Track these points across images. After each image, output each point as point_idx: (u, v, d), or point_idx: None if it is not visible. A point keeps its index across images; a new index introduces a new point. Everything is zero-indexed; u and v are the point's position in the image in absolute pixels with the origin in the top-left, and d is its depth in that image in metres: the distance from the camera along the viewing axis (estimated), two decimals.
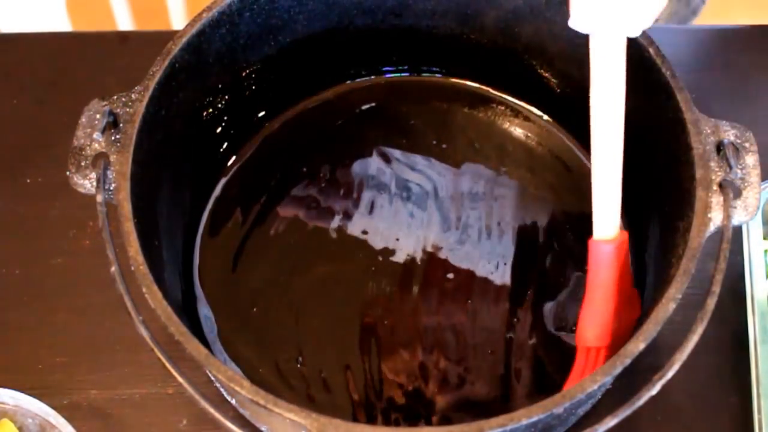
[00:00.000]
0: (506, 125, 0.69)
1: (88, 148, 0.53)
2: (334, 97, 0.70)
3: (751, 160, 0.52)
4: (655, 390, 0.46)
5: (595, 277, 0.55)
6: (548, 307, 0.61)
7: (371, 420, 0.58)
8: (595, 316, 0.55)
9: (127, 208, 0.50)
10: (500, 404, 0.58)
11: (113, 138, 0.53)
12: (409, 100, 0.70)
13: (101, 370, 0.62)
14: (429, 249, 0.63)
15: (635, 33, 0.51)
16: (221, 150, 0.67)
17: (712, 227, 0.50)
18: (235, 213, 0.65)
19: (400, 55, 0.70)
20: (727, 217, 0.50)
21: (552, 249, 0.63)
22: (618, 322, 0.55)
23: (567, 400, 0.45)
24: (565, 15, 0.60)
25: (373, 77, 0.71)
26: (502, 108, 0.69)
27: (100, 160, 0.52)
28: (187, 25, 0.57)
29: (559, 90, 0.66)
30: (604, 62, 0.52)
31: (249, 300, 0.62)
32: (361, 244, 0.64)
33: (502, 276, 0.62)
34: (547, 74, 0.66)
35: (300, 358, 0.60)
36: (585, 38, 0.60)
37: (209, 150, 0.65)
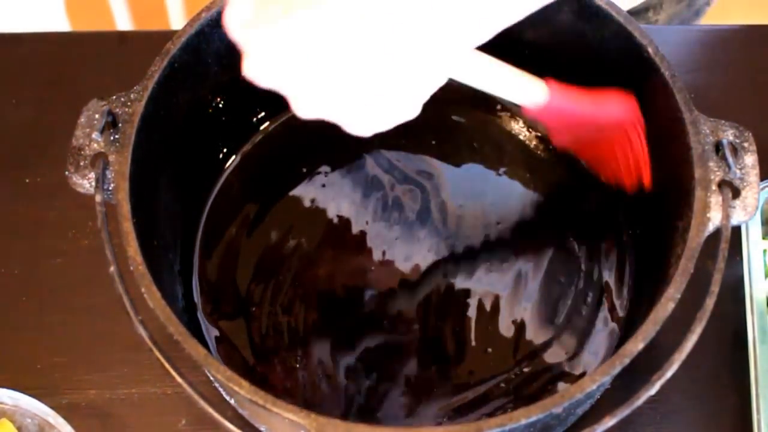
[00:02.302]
0: (505, 125, 0.69)
1: (87, 147, 0.53)
2: None
3: (749, 159, 0.52)
4: (653, 390, 0.46)
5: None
6: (545, 304, 0.61)
7: (371, 420, 0.58)
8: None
9: (126, 207, 0.50)
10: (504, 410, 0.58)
11: (112, 138, 0.53)
12: None
13: (100, 370, 0.62)
14: (428, 249, 0.63)
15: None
16: (220, 150, 0.66)
17: (711, 227, 0.50)
18: (234, 213, 0.65)
19: None
20: (726, 216, 0.50)
21: (551, 248, 0.63)
22: None
23: (566, 400, 0.45)
24: (565, 16, 0.60)
25: None
26: (502, 108, 0.69)
27: (99, 159, 0.52)
28: (186, 25, 0.57)
29: None
30: None
31: (248, 299, 0.62)
32: (361, 244, 0.64)
33: (502, 276, 0.62)
34: (546, 75, 0.66)
35: (299, 358, 0.60)
36: (585, 39, 0.60)
37: (208, 150, 0.65)
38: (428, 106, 0.70)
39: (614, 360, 0.46)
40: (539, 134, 0.68)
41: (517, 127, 0.68)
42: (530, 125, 0.68)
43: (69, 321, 0.63)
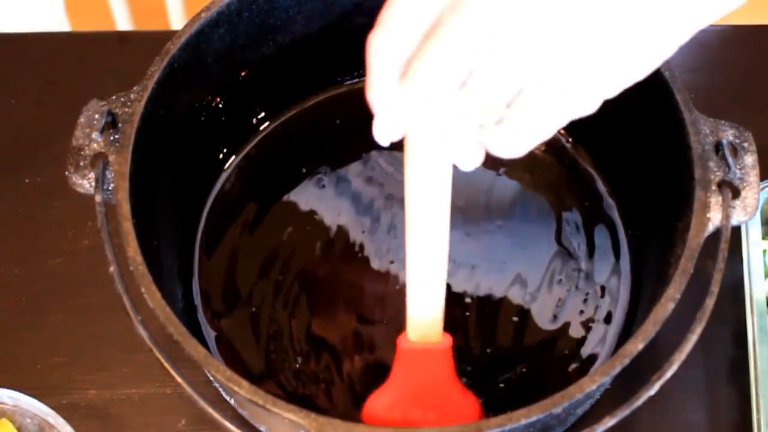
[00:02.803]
0: None
1: (86, 148, 0.53)
2: (333, 97, 0.70)
3: (749, 159, 0.52)
4: (653, 390, 0.46)
5: (400, 374, 0.53)
6: (544, 305, 0.61)
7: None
8: (382, 398, 0.53)
9: (126, 208, 0.50)
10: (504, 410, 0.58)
11: (112, 138, 0.53)
12: None
13: (100, 370, 0.62)
14: None
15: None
16: (220, 150, 0.66)
17: (710, 227, 0.50)
18: (233, 213, 0.65)
19: None
20: (726, 216, 0.50)
21: (551, 248, 0.63)
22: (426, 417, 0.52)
23: (566, 401, 0.45)
24: None
25: None
26: None
27: (98, 160, 0.52)
28: (185, 25, 0.57)
29: None
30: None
31: (248, 299, 0.62)
32: (360, 244, 0.64)
33: (501, 276, 0.62)
34: None
35: (299, 358, 0.60)
36: None
37: (208, 150, 0.65)
38: None
39: (614, 360, 0.46)
40: None
41: None
42: None
43: (69, 321, 0.63)
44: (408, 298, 0.52)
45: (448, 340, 0.53)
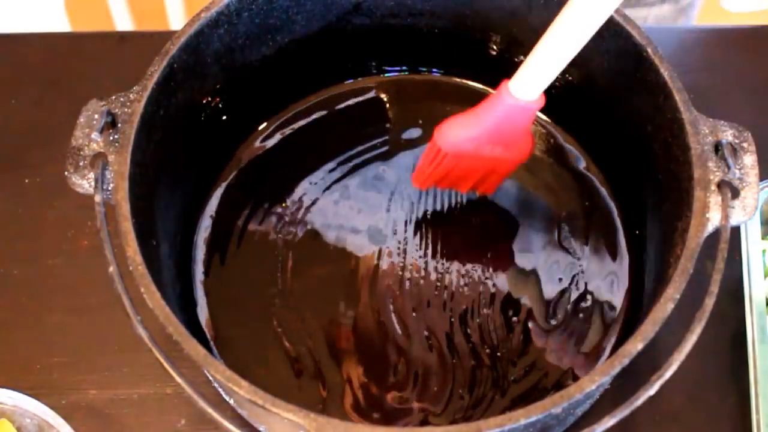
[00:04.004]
0: None
1: (86, 148, 0.53)
2: (333, 97, 0.70)
3: (749, 160, 0.52)
4: (653, 390, 0.46)
5: (486, 117, 0.57)
6: (544, 305, 0.61)
7: (368, 420, 0.58)
8: (463, 130, 0.58)
9: (125, 208, 0.50)
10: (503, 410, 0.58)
11: (111, 138, 0.53)
12: (408, 100, 0.70)
13: (99, 370, 0.62)
14: (428, 250, 0.63)
15: None
16: (220, 150, 0.66)
17: (710, 227, 0.50)
18: (233, 213, 0.65)
19: (399, 55, 0.70)
20: (726, 217, 0.50)
21: (551, 248, 0.63)
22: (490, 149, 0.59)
23: (565, 400, 0.45)
24: None
25: (371, 77, 0.71)
26: None
27: (98, 160, 0.52)
28: (185, 26, 0.57)
29: (557, 90, 0.66)
30: None
31: (247, 300, 0.62)
32: (360, 245, 0.64)
33: (501, 276, 0.62)
34: None
35: (298, 358, 0.60)
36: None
37: (207, 150, 0.65)
38: (428, 106, 0.70)
39: (613, 360, 0.46)
40: (538, 134, 0.68)
41: None
42: None
43: (68, 321, 0.63)
44: (535, 51, 0.54)
45: (542, 101, 0.56)
